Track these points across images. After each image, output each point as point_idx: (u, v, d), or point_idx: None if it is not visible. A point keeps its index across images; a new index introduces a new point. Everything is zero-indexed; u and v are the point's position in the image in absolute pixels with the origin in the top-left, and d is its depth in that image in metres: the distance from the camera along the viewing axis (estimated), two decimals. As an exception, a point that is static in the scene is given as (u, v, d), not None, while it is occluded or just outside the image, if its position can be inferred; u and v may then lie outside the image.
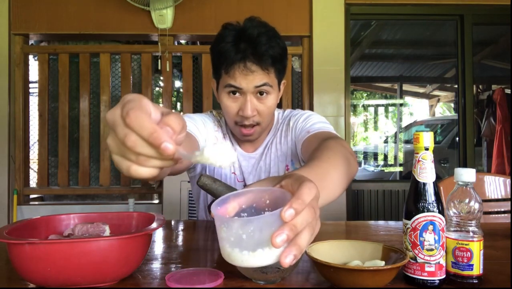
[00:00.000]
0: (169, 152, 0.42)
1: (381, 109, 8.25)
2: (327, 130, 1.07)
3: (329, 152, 0.81)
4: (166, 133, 0.43)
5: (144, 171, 0.45)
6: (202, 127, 1.14)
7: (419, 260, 0.67)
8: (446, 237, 0.69)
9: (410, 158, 5.46)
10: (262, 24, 1.06)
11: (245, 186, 1.14)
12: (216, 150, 0.48)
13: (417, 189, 0.69)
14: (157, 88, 4.04)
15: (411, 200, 0.69)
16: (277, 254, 0.49)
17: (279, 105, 1.59)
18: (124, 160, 0.45)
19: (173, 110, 1.03)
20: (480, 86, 4.82)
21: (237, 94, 1.06)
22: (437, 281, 0.67)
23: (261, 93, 1.07)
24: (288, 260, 0.47)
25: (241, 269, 0.70)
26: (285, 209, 0.47)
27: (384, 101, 8.33)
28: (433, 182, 0.69)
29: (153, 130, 0.42)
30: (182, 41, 3.26)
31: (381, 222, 1.28)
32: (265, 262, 0.50)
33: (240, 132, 1.11)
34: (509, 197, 1.54)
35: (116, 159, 0.46)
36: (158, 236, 1.07)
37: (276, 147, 1.21)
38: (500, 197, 1.55)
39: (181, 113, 2.85)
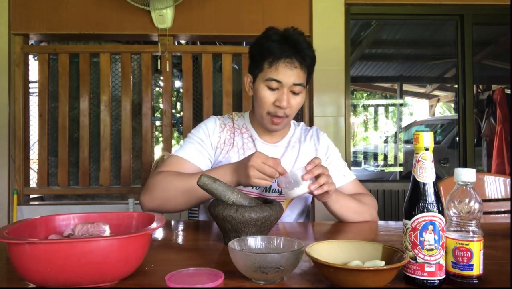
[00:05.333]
0: (284, 172, 1.04)
1: (381, 109, 8.25)
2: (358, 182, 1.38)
3: (364, 204, 1.26)
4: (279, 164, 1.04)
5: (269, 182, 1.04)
6: (205, 138, 1.29)
7: (419, 260, 0.67)
8: (446, 237, 0.69)
9: (410, 158, 5.46)
10: (302, 33, 1.23)
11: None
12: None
13: (417, 189, 0.69)
14: (157, 88, 4.04)
15: (411, 200, 0.69)
16: (307, 185, 1.04)
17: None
18: (262, 180, 1.03)
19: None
20: (480, 86, 4.82)
21: (275, 88, 1.19)
22: (437, 281, 0.67)
23: (295, 91, 1.20)
24: (313, 188, 1.03)
25: (241, 269, 0.70)
26: (306, 165, 1.04)
27: (384, 101, 8.33)
28: (433, 182, 0.69)
29: (277, 164, 1.03)
30: (182, 41, 3.26)
31: (381, 222, 1.28)
32: (303, 191, 1.05)
33: (271, 121, 1.24)
34: (509, 197, 1.54)
35: (257, 181, 1.02)
36: (158, 236, 1.07)
37: (300, 143, 1.37)
38: (500, 197, 1.56)
39: (181, 113, 2.85)
